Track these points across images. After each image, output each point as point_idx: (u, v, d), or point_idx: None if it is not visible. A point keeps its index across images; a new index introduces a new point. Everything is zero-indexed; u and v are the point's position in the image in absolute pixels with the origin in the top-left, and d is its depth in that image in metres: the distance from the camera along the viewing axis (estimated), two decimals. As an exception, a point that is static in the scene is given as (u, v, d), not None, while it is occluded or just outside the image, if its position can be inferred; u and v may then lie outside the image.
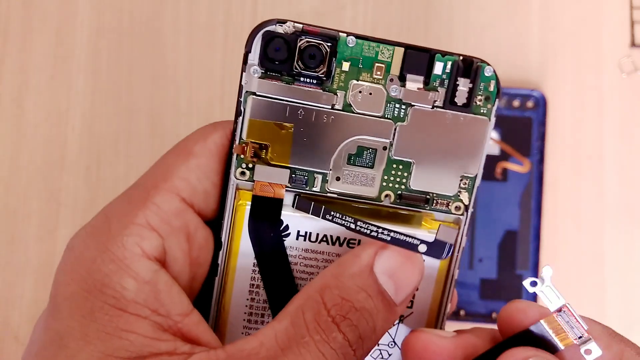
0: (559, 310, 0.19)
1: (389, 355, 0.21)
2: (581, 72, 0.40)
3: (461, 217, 0.20)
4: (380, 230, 0.18)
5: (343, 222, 0.19)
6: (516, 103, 0.40)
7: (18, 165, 0.40)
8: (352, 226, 0.19)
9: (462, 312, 0.39)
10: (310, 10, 0.41)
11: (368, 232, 0.18)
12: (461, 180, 0.20)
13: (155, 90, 0.41)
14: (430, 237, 0.19)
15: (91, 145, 0.40)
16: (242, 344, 0.17)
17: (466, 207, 0.20)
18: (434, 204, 0.20)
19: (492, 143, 0.39)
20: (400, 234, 0.18)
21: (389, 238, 0.18)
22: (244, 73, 0.19)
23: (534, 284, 0.19)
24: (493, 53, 0.41)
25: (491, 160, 0.39)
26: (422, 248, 0.18)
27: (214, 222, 0.20)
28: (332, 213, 0.19)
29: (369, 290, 0.17)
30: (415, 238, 0.18)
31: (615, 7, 0.41)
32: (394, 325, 0.19)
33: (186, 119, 0.40)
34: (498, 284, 0.39)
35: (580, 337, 0.19)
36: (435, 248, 0.18)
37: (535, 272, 0.39)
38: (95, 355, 0.16)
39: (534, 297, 0.38)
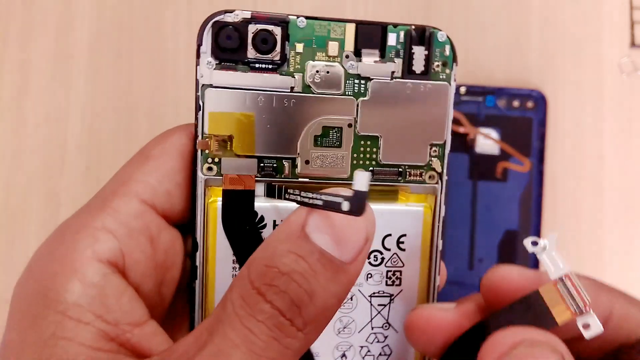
0: (560, 280, 0.17)
1: (385, 337, 0.20)
2: (581, 72, 0.41)
3: (436, 185, 0.20)
4: (311, 197, 0.17)
5: (294, 197, 0.18)
6: (516, 103, 0.40)
7: (18, 165, 0.40)
8: (287, 196, 0.18)
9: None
10: (310, 10, 0.41)
11: (299, 199, 0.17)
12: (431, 148, 0.20)
13: (155, 90, 0.41)
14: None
15: (91, 145, 0.40)
16: (178, 343, 0.16)
17: (440, 175, 0.20)
18: (407, 177, 0.20)
19: (492, 143, 0.39)
20: (328, 195, 0.17)
21: (321, 202, 0.17)
22: (198, 67, 0.19)
23: (534, 243, 0.18)
24: (493, 53, 0.41)
25: (491, 160, 0.39)
26: (345, 206, 0.16)
27: (186, 224, 0.20)
28: (290, 191, 0.18)
29: (298, 251, 0.15)
30: (338, 195, 0.16)
31: (615, 7, 0.41)
32: (353, 283, 0.17)
33: (186, 119, 0.40)
34: (498, 284, 0.39)
35: (579, 309, 0.17)
36: (354, 201, 0.16)
37: (535, 272, 0.39)
38: None
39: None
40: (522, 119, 0.40)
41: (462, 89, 0.40)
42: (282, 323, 0.15)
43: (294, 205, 0.17)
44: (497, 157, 0.39)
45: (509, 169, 0.39)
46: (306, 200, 0.17)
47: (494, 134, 0.39)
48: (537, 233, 0.39)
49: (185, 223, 0.20)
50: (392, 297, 0.20)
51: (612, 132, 0.40)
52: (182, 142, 0.19)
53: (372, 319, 0.20)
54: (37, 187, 0.40)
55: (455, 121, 0.39)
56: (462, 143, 0.39)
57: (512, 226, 0.39)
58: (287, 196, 0.18)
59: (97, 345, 0.15)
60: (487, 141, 0.39)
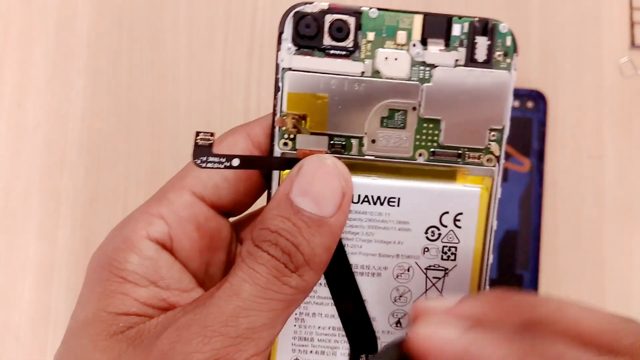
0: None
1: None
2: (581, 72, 0.41)
3: (493, 168, 0.21)
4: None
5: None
6: (516, 103, 0.40)
7: (18, 165, 0.40)
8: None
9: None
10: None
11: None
12: (490, 132, 0.21)
13: (155, 90, 0.41)
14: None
15: (91, 145, 0.40)
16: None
17: (497, 158, 0.21)
18: (466, 159, 0.22)
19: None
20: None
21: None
22: (279, 52, 0.21)
23: None
24: (493, 53, 0.41)
25: (491, 160, 0.39)
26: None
27: (233, 214, 0.22)
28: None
29: (283, 214, 0.19)
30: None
31: (615, 7, 0.41)
32: (338, 232, 0.19)
33: (186, 119, 0.40)
34: (498, 284, 0.39)
35: None
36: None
37: (535, 272, 0.39)
38: (91, 310, 0.19)
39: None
40: (522, 119, 0.40)
41: (462, 89, 0.40)
42: (277, 265, 0.19)
43: (362, 180, 0.21)
44: (497, 157, 0.39)
45: (508, 169, 0.39)
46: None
47: (494, 134, 0.39)
48: (537, 233, 0.39)
49: (233, 213, 0.23)
50: (447, 271, 0.22)
51: (612, 132, 0.40)
52: (235, 142, 0.22)
53: (426, 290, 0.22)
54: (37, 187, 0.40)
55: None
56: (462, 143, 0.39)
57: (512, 226, 0.39)
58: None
59: (148, 302, 0.20)
60: (487, 141, 0.39)
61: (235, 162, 0.20)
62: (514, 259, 0.39)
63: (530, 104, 0.40)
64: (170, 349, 0.18)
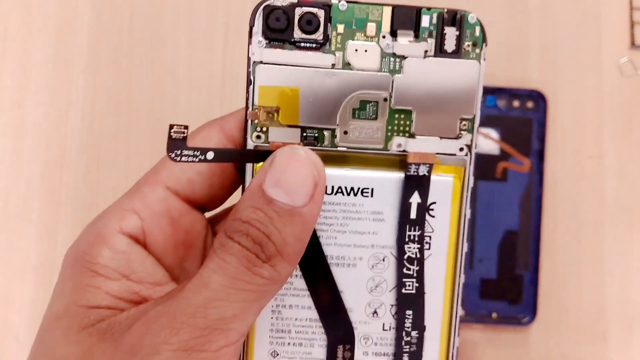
0: None
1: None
2: (581, 72, 0.41)
3: (465, 157, 0.22)
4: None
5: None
6: (516, 103, 0.40)
7: (18, 165, 0.40)
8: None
9: (462, 312, 0.39)
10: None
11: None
12: (461, 122, 0.21)
13: (155, 90, 0.41)
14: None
15: (91, 145, 0.40)
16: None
17: (469, 147, 0.21)
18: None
19: (492, 143, 0.39)
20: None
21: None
22: (250, 46, 0.21)
23: None
24: (493, 53, 0.41)
25: (491, 160, 0.39)
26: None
27: (207, 208, 0.22)
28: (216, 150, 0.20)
29: (255, 205, 0.19)
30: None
31: (615, 7, 0.41)
32: (311, 222, 0.19)
33: (186, 118, 0.40)
34: (498, 284, 0.39)
35: None
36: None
37: (535, 272, 0.39)
38: (64, 304, 0.19)
39: (534, 296, 0.39)
40: (522, 119, 0.40)
41: (462, 89, 0.40)
42: (248, 255, 0.19)
43: (335, 171, 0.21)
44: (497, 157, 0.39)
45: (508, 169, 0.39)
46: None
47: (493, 134, 0.39)
48: (537, 233, 0.39)
49: (208, 207, 0.22)
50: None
51: (612, 132, 0.40)
52: (210, 136, 0.22)
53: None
54: (36, 187, 0.40)
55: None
56: (462, 143, 0.39)
57: (512, 226, 0.39)
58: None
59: (120, 296, 0.20)
60: (487, 141, 0.39)
61: (210, 155, 0.20)
62: (514, 259, 0.39)
63: (530, 104, 0.40)
64: (139, 341, 0.18)
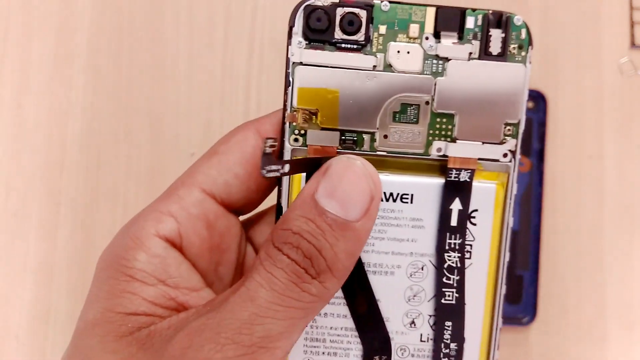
0: None
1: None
2: (581, 72, 0.41)
3: (509, 163, 0.21)
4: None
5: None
6: (516, 103, 0.40)
7: (18, 165, 0.40)
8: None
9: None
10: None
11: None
12: (505, 127, 0.21)
13: (155, 90, 0.41)
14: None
15: (91, 145, 0.40)
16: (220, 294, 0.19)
17: (513, 153, 0.21)
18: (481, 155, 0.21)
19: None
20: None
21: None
22: (289, 46, 0.20)
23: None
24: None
25: (491, 160, 0.39)
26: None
27: (244, 212, 0.22)
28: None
29: (307, 215, 0.18)
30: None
31: (615, 7, 0.41)
32: (364, 238, 0.19)
33: (186, 119, 0.40)
34: (498, 284, 0.39)
35: None
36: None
37: (535, 272, 0.39)
38: (99, 310, 0.19)
39: (534, 298, 0.38)
40: (522, 119, 0.40)
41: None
42: (297, 270, 0.18)
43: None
44: (497, 157, 0.39)
45: (509, 169, 0.39)
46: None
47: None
48: (537, 233, 0.39)
49: (243, 211, 0.22)
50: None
51: (612, 132, 0.40)
52: (246, 138, 0.21)
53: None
54: (37, 187, 0.40)
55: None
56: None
57: (512, 226, 0.39)
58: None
59: (157, 301, 0.19)
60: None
61: (286, 168, 0.19)
62: (514, 258, 0.39)
63: (530, 104, 0.40)
64: (181, 354, 0.17)
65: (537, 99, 0.40)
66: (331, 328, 0.21)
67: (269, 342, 0.17)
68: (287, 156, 0.21)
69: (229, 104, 0.40)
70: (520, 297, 0.39)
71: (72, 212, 0.40)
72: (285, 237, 0.18)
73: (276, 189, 0.22)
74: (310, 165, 0.20)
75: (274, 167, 0.19)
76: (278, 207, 0.21)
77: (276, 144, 0.20)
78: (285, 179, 0.21)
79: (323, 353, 0.21)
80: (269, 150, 0.20)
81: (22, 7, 0.41)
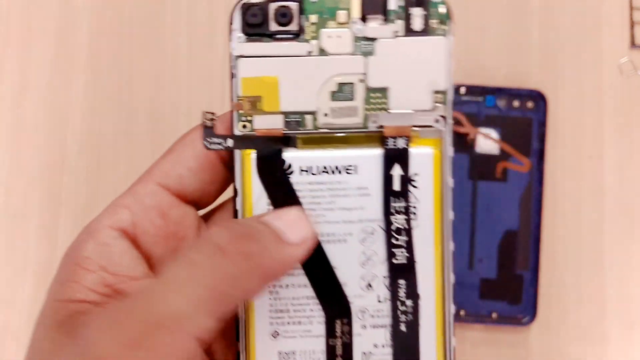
0: None
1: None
2: (581, 72, 0.41)
3: (442, 128, 0.23)
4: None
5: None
6: (516, 103, 0.40)
7: (18, 166, 0.40)
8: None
9: (462, 312, 0.39)
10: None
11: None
12: (435, 95, 0.22)
13: (155, 90, 0.41)
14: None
15: (91, 146, 0.40)
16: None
17: (444, 119, 0.22)
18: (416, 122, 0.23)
19: (492, 143, 0.39)
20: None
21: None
22: (230, 42, 0.23)
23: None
24: (493, 53, 0.41)
25: (491, 160, 0.39)
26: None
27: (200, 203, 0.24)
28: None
29: (249, 219, 0.21)
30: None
31: (615, 7, 0.41)
32: (291, 264, 0.20)
33: (186, 119, 0.40)
34: (498, 284, 0.39)
35: None
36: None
37: (535, 272, 0.39)
38: (49, 301, 0.21)
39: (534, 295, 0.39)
40: (522, 119, 0.40)
41: (462, 89, 0.40)
42: (218, 248, 0.19)
43: (319, 152, 0.22)
44: (497, 157, 0.39)
45: (509, 169, 0.39)
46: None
47: (494, 134, 0.40)
48: (537, 233, 0.39)
49: (200, 203, 0.23)
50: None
51: (612, 132, 0.40)
52: (198, 136, 0.23)
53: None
54: (37, 188, 0.40)
55: (455, 121, 0.39)
56: (462, 143, 0.39)
57: (512, 226, 0.39)
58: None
59: (94, 288, 0.20)
60: (487, 141, 0.39)
61: (230, 142, 0.22)
62: (514, 258, 0.39)
63: (530, 104, 0.40)
64: (91, 336, 0.18)
65: (537, 98, 0.40)
66: (293, 298, 0.22)
67: (173, 320, 0.18)
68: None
69: (229, 104, 0.40)
70: (520, 297, 0.39)
71: (72, 213, 0.40)
72: (215, 229, 0.20)
73: (232, 185, 0.23)
74: (256, 142, 0.22)
75: (216, 140, 0.22)
76: (234, 190, 0.23)
77: (215, 118, 0.22)
78: (237, 172, 0.22)
79: (288, 323, 0.22)
80: (209, 123, 0.22)
81: (22, 7, 0.41)
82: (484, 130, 0.39)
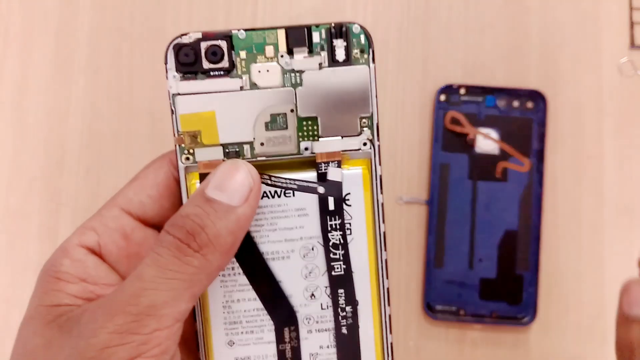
0: None
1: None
2: (581, 72, 0.41)
3: (369, 150, 0.24)
4: (289, 182, 0.24)
5: (267, 181, 0.24)
6: (516, 103, 0.40)
7: (19, 166, 0.40)
8: (269, 182, 0.24)
9: (462, 312, 0.39)
10: (310, 11, 0.41)
11: (280, 184, 0.24)
12: (361, 120, 0.24)
13: (155, 90, 0.41)
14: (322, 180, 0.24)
15: (91, 146, 0.40)
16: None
17: (371, 141, 0.24)
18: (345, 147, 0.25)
19: (492, 143, 0.39)
20: (302, 181, 0.24)
21: (295, 186, 0.24)
22: (167, 81, 0.24)
23: None
24: (493, 54, 0.41)
25: (491, 160, 0.39)
26: (321, 190, 0.24)
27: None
28: (265, 177, 0.24)
29: (196, 202, 0.22)
30: (313, 182, 0.24)
31: (614, 8, 0.41)
32: (244, 221, 0.22)
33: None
34: (498, 283, 0.39)
35: None
36: (331, 187, 0.24)
37: (535, 272, 0.39)
38: (33, 306, 0.23)
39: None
40: (521, 119, 0.40)
41: (462, 90, 0.40)
42: (180, 246, 0.21)
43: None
44: (497, 157, 0.39)
45: (508, 169, 0.39)
46: (283, 184, 0.24)
47: (493, 134, 0.40)
48: (537, 233, 0.39)
49: (160, 225, 0.25)
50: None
51: (611, 132, 0.40)
52: (161, 166, 0.25)
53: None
54: (37, 188, 0.40)
55: (455, 121, 0.39)
56: (462, 143, 0.40)
57: (512, 226, 0.39)
58: (266, 182, 0.24)
59: (79, 295, 0.23)
60: (487, 141, 0.39)
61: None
62: (514, 258, 0.39)
63: (530, 104, 0.40)
64: (84, 328, 0.21)
65: (537, 99, 0.40)
66: (245, 311, 0.24)
67: (154, 310, 0.20)
68: (181, 173, 0.24)
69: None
70: (520, 297, 0.39)
71: (72, 212, 0.40)
72: (173, 221, 0.22)
73: None
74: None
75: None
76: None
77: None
78: (184, 188, 0.24)
79: (242, 332, 0.25)
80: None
81: (22, 7, 0.41)
82: (483, 130, 0.40)
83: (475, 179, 0.40)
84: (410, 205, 0.40)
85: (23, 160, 0.40)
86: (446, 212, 0.39)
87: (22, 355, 0.22)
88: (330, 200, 0.24)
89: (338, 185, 0.24)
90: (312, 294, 0.25)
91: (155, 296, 0.21)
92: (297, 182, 0.24)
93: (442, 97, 0.40)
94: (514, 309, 0.39)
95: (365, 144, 0.24)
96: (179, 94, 0.24)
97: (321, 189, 0.24)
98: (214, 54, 0.23)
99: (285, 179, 0.24)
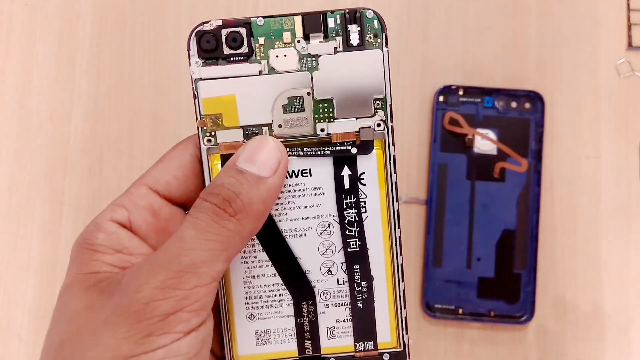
0: None
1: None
2: (578, 73, 0.41)
3: (383, 131, 0.25)
4: (321, 149, 0.25)
5: (298, 153, 0.25)
6: (514, 104, 0.40)
7: (21, 165, 0.41)
8: (302, 153, 0.25)
9: (460, 311, 0.39)
10: (310, 8, 0.41)
11: (313, 153, 0.25)
12: (375, 102, 0.25)
13: (157, 90, 0.41)
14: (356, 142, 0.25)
15: (94, 146, 0.41)
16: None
17: (384, 122, 0.25)
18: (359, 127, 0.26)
19: (490, 143, 0.40)
20: (336, 144, 0.25)
21: (329, 152, 0.25)
22: (190, 67, 0.25)
23: None
24: (491, 54, 0.41)
25: (489, 161, 0.40)
26: (354, 150, 0.25)
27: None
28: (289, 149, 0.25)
29: (228, 173, 0.23)
30: (347, 144, 0.25)
31: (612, 9, 0.41)
32: (274, 190, 0.24)
33: (187, 119, 0.40)
34: (496, 283, 0.39)
35: None
36: (362, 147, 0.25)
37: (533, 271, 0.39)
38: (72, 275, 0.24)
39: (533, 295, 0.39)
40: (519, 119, 0.40)
41: (460, 90, 0.40)
42: (217, 211, 0.23)
43: None
44: (495, 157, 0.40)
45: (506, 169, 0.40)
46: (317, 152, 0.25)
47: (491, 134, 0.40)
48: (535, 232, 0.39)
49: (187, 205, 0.26)
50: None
51: (609, 132, 0.40)
52: (186, 148, 0.26)
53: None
54: (40, 187, 0.40)
55: (454, 122, 0.40)
56: (460, 143, 0.40)
57: (510, 226, 0.40)
58: (298, 153, 0.25)
59: (116, 264, 0.24)
60: (485, 142, 0.40)
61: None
62: (512, 258, 0.39)
63: (527, 105, 0.40)
64: (127, 286, 0.22)
65: (535, 99, 0.40)
66: (265, 286, 0.26)
67: (194, 268, 0.22)
68: (204, 155, 0.25)
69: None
70: (518, 296, 0.39)
71: (74, 212, 0.40)
72: (209, 189, 0.23)
73: None
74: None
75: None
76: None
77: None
78: (206, 169, 0.26)
79: (262, 306, 0.26)
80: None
81: (24, 9, 0.42)
82: (482, 130, 0.40)
83: (474, 179, 0.40)
84: (409, 205, 0.40)
85: (25, 160, 0.41)
86: (445, 212, 0.40)
87: (64, 319, 0.23)
88: (346, 179, 0.25)
89: (370, 144, 0.25)
90: (329, 270, 0.26)
91: (195, 255, 0.22)
92: (330, 149, 0.25)
93: (441, 98, 0.40)
94: (512, 308, 0.39)
95: (379, 125, 0.25)
96: (201, 79, 0.25)
97: (354, 150, 0.25)
98: (234, 40, 0.25)
99: (317, 148, 0.25)
